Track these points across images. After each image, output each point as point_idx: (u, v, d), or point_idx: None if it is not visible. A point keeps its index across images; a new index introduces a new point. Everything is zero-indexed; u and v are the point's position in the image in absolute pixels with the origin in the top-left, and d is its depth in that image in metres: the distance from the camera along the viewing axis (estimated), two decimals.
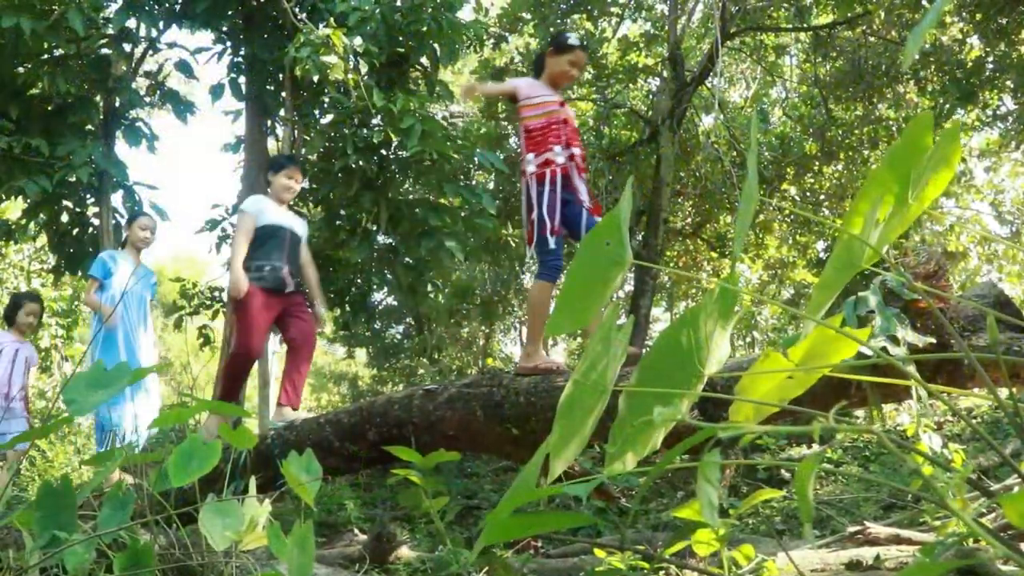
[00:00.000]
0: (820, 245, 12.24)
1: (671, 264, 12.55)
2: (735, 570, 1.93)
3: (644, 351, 3.21)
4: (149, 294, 5.31)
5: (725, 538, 1.82)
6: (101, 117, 7.23)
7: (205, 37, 10.84)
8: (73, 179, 6.65)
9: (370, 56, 6.48)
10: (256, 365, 5.43)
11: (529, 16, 10.51)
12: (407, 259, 7.45)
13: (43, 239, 8.88)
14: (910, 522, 3.18)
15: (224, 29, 7.57)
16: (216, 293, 8.23)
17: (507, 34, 10.75)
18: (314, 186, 7.48)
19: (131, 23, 7.11)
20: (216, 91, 7.53)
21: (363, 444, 3.47)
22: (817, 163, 11.31)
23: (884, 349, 2.27)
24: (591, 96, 11.49)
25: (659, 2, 11.58)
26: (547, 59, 3.86)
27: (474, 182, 9.59)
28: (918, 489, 2.94)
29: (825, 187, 11.65)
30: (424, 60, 7.40)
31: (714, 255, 12.81)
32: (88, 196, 7.31)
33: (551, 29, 10.18)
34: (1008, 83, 9.02)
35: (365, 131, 6.81)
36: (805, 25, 10.52)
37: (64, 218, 7.37)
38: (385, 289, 8.39)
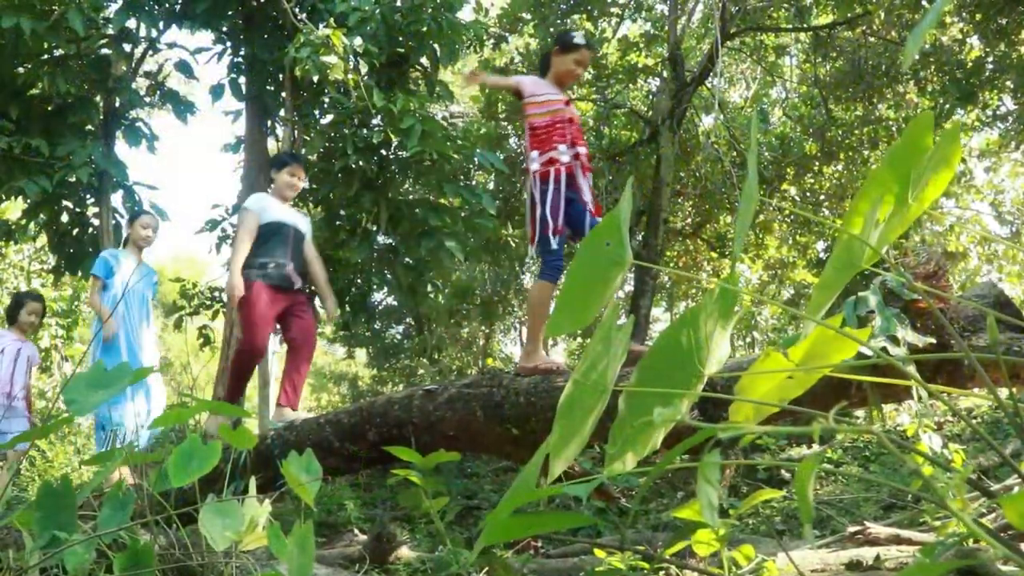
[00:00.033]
0: (820, 245, 12.24)
1: (671, 264, 12.55)
2: (735, 570, 1.93)
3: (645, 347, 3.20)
4: (151, 292, 5.31)
5: (725, 538, 1.82)
6: (101, 117, 7.23)
7: (205, 37, 10.86)
8: (73, 179, 6.65)
9: (370, 56, 6.48)
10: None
11: (529, 16, 10.51)
12: (407, 259, 7.44)
13: (43, 239, 8.88)
14: (910, 522, 3.18)
15: (224, 29, 7.57)
16: (216, 293, 8.23)
17: (507, 34, 10.75)
18: (314, 186, 7.48)
19: (131, 23, 7.11)
20: (216, 91, 7.53)
21: (363, 444, 3.47)
22: (817, 163, 11.30)
23: (884, 349, 2.27)
24: (591, 96, 11.49)
25: (659, 2, 11.58)
26: (553, 58, 3.85)
27: (474, 182, 9.60)
28: (918, 489, 2.94)
29: (825, 187, 11.65)
30: (424, 60, 7.40)
31: (714, 255, 12.81)
32: (88, 196, 7.31)
33: (551, 29, 10.18)
34: (1008, 83, 9.02)
35: (365, 131, 6.81)
36: (805, 25, 10.52)
37: (64, 218, 7.37)
38: (385, 289, 8.38)
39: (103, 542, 1.80)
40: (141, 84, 7.97)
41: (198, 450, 1.71)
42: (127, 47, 7.40)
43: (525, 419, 3.11)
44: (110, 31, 7.09)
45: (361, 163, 7.07)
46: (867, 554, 2.24)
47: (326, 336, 12.79)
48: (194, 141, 57.59)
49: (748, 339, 12.35)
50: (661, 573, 2.03)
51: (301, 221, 4.68)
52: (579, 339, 13.69)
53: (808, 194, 11.85)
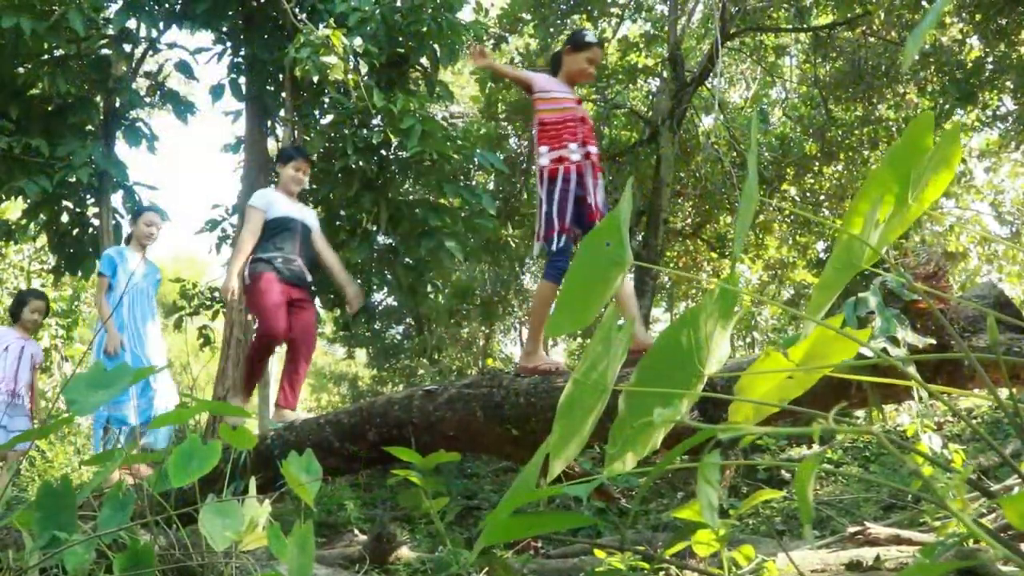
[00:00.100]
0: (820, 245, 12.24)
1: (671, 264, 12.55)
2: (735, 571, 1.93)
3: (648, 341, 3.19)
4: (153, 289, 5.31)
5: (725, 539, 1.82)
6: (101, 117, 7.23)
7: (205, 37, 10.87)
8: (73, 179, 6.65)
9: (370, 56, 6.48)
10: None
11: (529, 16, 10.52)
12: (407, 259, 7.44)
13: (43, 239, 8.87)
14: (910, 523, 3.18)
15: (224, 29, 7.57)
16: (216, 293, 8.23)
17: (507, 35, 10.75)
18: (314, 186, 7.48)
19: (131, 23, 7.11)
20: (216, 91, 7.54)
21: (363, 444, 3.47)
22: (817, 163, 11.31)
23: (884, 350, 2.27)
24: (591, 96, 11.49)
25: (659, 2, 11.59)
26: (564, 57, 3.83)
27: (474, 182, 9.60)
28: (918, 490, 2.94)
29: (825, 187, 11.65)
30: (424, 60, 7.40)
31: (714, 255, 12.82)
32: (88, 196, 7.31)
33: (551, 30, 10.19)
34: (1008, 83, 9.02)
35: (365, 131, 6.81)
36: (805, 26, 10.52)
37: (64, 218, 7.37)
38: (385, 289, 8.38)
39: (103, 542, 1.80)
40: (141, 84, 7.97)
41: (198, 450, 1.72)
42: (127, 47, 7.40)
43: (525, 419, 3.11)
44: (110, 31, 7.09)
45: (361, 163, 7.07)
46: (867, 554, 2.24)
47: (326, 336, 12.80)
48: (194, 141, 57.62)
49: (748, 339, 12.35)
50: (661, 573, 2.03)
51: (308, 215, 4.69)
52: (579, 339, 13.69)
53: (808, 194, 11.85)
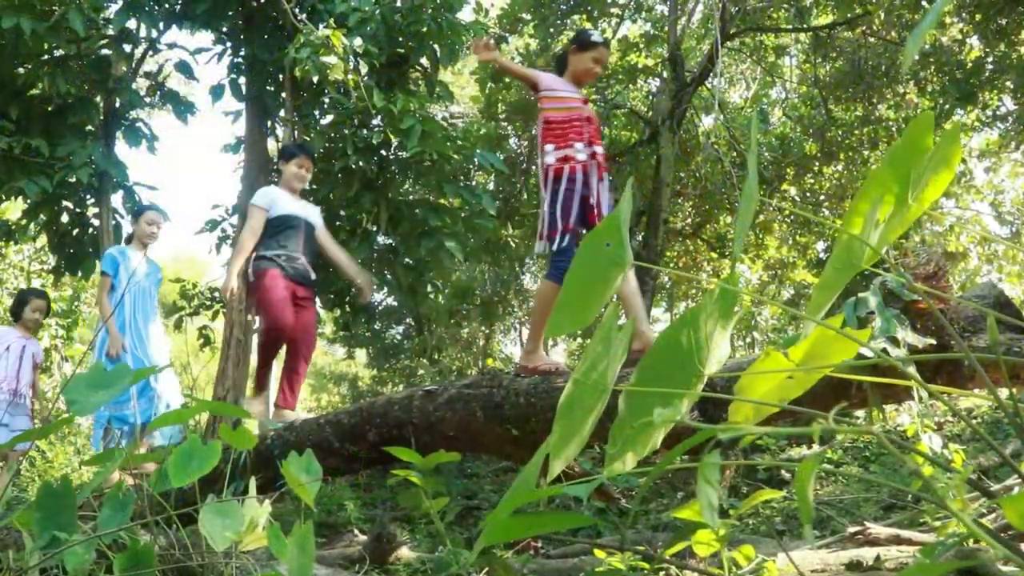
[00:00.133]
0: (820, 245, 12.24)
1: (671, 264, 12.55)
2: (735, 571, 1.93)
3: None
4: (155, 288, 5.31)
5: (725, 539, 1.82)
6: (101, 118, 7.23)
7: (205, 38, 10.85)
8: (73, 180, 6.65)
9: (370, 57, 6.48)
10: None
11: (529, 16, 10.51)
12: (407, 259, 7.44)
13: (43, 239, 8.87)
14: (910, 523, 3.18)
15: (224, 30, 7.57)
16: (216, 294, 8.23)
17: (507, 35, 10.75)
18: (314, 186, 7.48)
19: (131, 24, 7.11)
20: (216, 92, 7.53)
21: (363, 445, 3.47)
22: (817, 163, 11.31)
23: (884, 350, 2.27)
24: (591, 96, 11.49)
25: (659, 3, 11.59)
26: (570, 57, 3.82)
27: (474, 182, 9.59)
28: (918, 490, 2.94)
29: (825, 187, 11.65)
30: (424, 61, 7.40)
31: (714, 255, 12.81)
32: (88, 197, 7.31)
33: (551, 30, 10.19)
34: (1008, 83, 9.02)
35: (365, 132, 6.81)
36: (805, 26, 10.52)
37: (64, 219, 7.37)
38: (385, 289, 8.38)
39: (103, 542, 1.80)
40: (141, 84, 7.97)
41: (198, 450, 1.72)
42: (127, 47, 7.40)
43: (525, 419, 3.11)
44: (110, 31, 7.09)
45: (361, 163, 7.07)
46: (867, 554, 2.23)
47: (326, 336, 12.80)
48: (194, 141, 57.60)
49: (748, 339, 12.35)
50: (661, 574, 2.03)
51: (312, 213, 4.69)
52: (579, 339, 13.68)
53: (808, 194, 11.85)
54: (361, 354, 14.34)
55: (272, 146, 7.86)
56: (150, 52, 7.88)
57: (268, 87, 7.57)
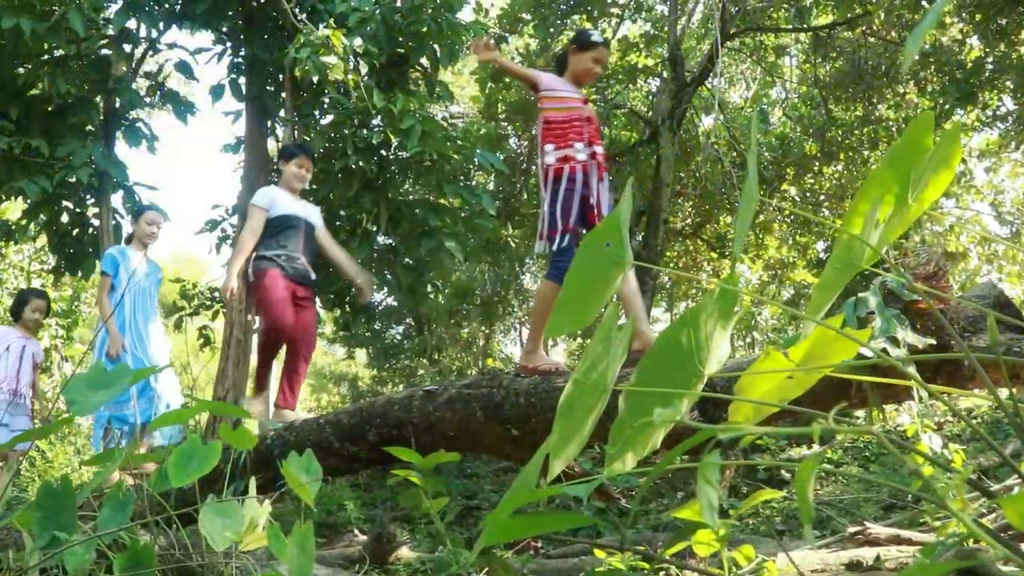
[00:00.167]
0: (820, 245, 12.24)
1: (671, 264, 12.55)
2: (735, 571, 1.93)
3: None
4: (155, 288, 5.31)
5: (725, 539, 1.82)
6: (101, 118, 7.23)
7: (205, 38, 10.85)
8: (73, 180, 6.65)
9: (370, 57, 6.48)
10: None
11: (529, 16, 10.51)
12: (407, 259, 7.44)
13: (43, 239, 8.87)
14: (910, 522, 3.18)
15: (224, 30, 7.57)
16: (216, 294, 8.23)
17: (507, 35, 10.75)
18: (314, 186, 7.48)
19: (131, 24, 7.11)
20: (216, 92, 7.53)
21: (363, 445, 3.47)
22: (817, 163, 11.31)
23: (884, 350, 2.27)
24: (591, 97, 11.49)
25: (659, 3, 11.59)
26: (570, 57, 3.82)
27: (474, 182, 9.60)
28: (918, 490, 2.94)
29: (825, 187, 11.65)
30: (424, 61, 7.40)
31: (714, 255, 12.81)
32: (88, 197, 7.31)
33: (551, 30, 10.19)
34: (1008, 83, 9.02)
35: (365, 132, 6.81)
36: (805, 26, 10.52)
37: (64, 219, 7.36)
38: (385, 289, 8.38)
39: (103, 542, 1.80)
40: (141, 84, 7.97)
41: (198, 450, 1.72)
42: (127, 47, 7.40)
43: (525, 419, 3.11)
44: (110, 31, 7.09)
45: (361, 163, 7.07)
46: (867, 554, 2.23)
47: (326, 336, 12.80)
48: (194, 141, 57.61)
49: (748, 339, 12.35)
50: (661, 574, 2.03)
51: (312, 213, 4.69)
52: (579, 339, 13.68)
53: (808, 194, 11.85)
54: (361, 354, 14.34)
55: (272, 146, 7.86)
56: (150, 52, 7.88)
57: (268, 87, 7.56)
